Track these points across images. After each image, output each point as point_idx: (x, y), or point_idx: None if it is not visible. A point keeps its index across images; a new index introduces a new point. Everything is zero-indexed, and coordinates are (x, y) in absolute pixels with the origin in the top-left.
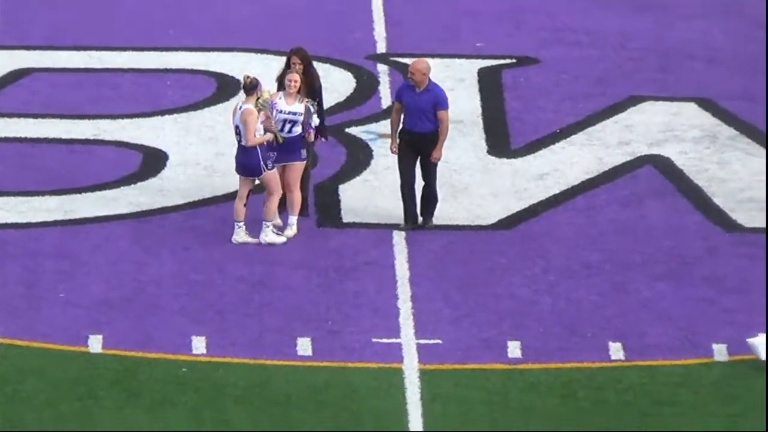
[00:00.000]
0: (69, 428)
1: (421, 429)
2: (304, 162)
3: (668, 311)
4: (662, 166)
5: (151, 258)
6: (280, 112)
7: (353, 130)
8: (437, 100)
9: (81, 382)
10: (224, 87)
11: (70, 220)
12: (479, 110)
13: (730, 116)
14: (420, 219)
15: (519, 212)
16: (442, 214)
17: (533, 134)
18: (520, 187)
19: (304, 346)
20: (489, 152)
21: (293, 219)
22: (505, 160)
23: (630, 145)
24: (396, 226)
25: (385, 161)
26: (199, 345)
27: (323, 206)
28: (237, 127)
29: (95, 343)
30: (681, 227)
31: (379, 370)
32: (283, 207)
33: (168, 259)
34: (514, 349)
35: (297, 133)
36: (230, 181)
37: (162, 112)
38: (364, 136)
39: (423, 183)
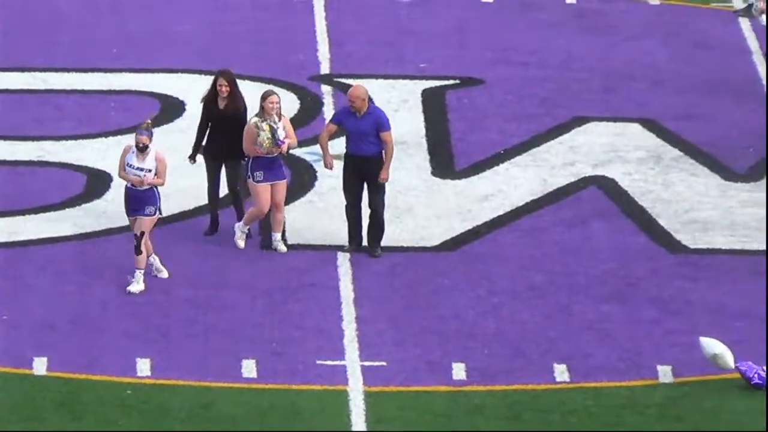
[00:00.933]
0: None
1: None
2: (286, 179)
3: (613, 333)
4: (607, 187)
5: (96, 280)
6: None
7: (297, 151)
8: (379, 122)
9: (25, 404)
10: (168, 108)
11: (14, 242)
12: (423, 131)
13: (674, 137)
14: (365, 243)
15: (463, 233)
16: (386, 236)
17: (478, 155)
18: (464, 208)
19: (248, 368)
20: (433, 173)
21: (277, 236)
22: (449, 181)
23: (574, 166)
24: (341, 248)
25: (329, 182)
26: (143, 367)
27: (268, 227)
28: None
29: (39, 365)
30: (625, 248)
31: (324, 392)
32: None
33: (112, 280)
34: (458, 371)
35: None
36: (174, 203)
37: (106, 134)
38: (308, 158)
39: (370, 210)
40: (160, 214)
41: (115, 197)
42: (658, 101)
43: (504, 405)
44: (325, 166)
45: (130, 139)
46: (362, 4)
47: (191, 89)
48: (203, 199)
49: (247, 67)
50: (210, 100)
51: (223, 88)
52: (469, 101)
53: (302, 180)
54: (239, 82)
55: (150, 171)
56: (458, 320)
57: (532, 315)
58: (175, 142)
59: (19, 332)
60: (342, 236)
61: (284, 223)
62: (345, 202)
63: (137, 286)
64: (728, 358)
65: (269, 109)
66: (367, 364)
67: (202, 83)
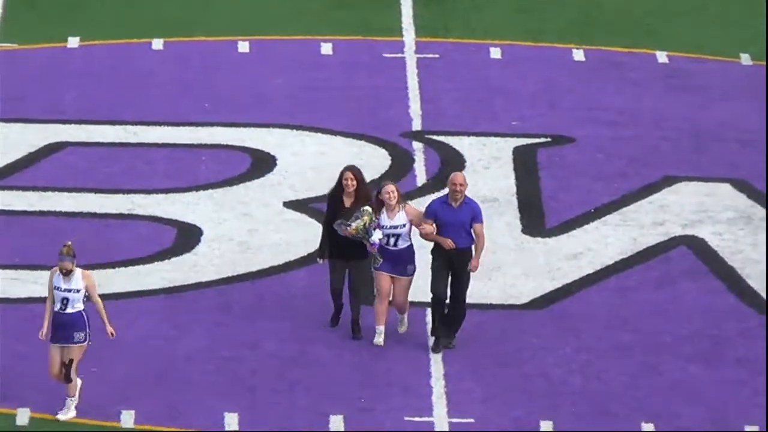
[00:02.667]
0: None
1: None
2: (411, 276)
3: (700, 392)
4: (696, 246)
5: (183, 333)
6: (383, 227)
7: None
8: (475, 213)
9: None
10: (258, 163)
11: (103, 295)
12: (514, 189)
13: (765, 197)
14: (440, 338)
15: (552, 292)
16: (475, 292)
17: (568, 213)
18: (553, 266)
19: (336, 423)
20: (523, 231)
21: (380, 328)
22: (539, 239)
23: (664, 226)
24: (428, 304)
25: (418, 240)
26: (231, 422)
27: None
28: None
29: (127, 419)
30: (714, 308)
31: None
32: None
33: (200, 334)
34: (546, 428)
35: (403, 246)
36: (264, 257)
37: (197, 188)
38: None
39: (452, 300)
40: (90, 341)
41: (205, 251)
42: (748, 161)
43: None
44: (447, 246)
45: (220, 194)
46: (454, 62)
47: (282, 144)
48: (293, 255)
49: (339, 122)
50: (335, 196)
51: (349, 183)
52: (559, 159)
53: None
54: (330, 137)
55: (78, 291)
56: (545, 378)
57: (620, 374)
58: (267, 197)
59: (108, 385)
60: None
61: (405, 319)
62: (432, 298)
63: (69, 413)
64: None
65: (385, 199)
66: (455, 420)
67: (293, 138)
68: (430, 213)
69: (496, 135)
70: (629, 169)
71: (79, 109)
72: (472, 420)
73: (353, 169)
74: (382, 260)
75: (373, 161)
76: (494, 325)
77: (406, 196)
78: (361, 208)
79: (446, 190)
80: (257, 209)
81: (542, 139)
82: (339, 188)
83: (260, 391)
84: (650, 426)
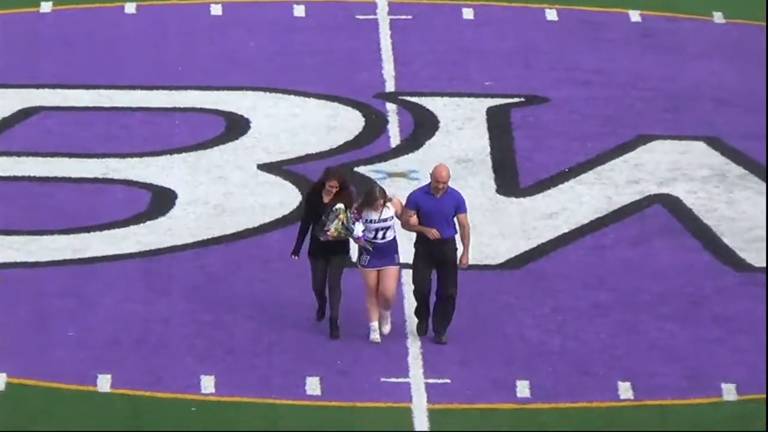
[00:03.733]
0: None
1: None
2: (399, 265)
3: (677, 351)
4: (671, 205)
5: (160, 297)
6: (372, 221)
7: (362, 169)
8: (458, 203)
9: (90, 422)
10: (232, 126)
11: (79, 260)
12: (488, 149)
13: (739, 155)
14: (430, 330)
15: (528, 251)
16: None
17: (542, 173)
18: (528, 226)
19: (313, 385)
20: (498, 191)
21: (374, 324)
22: (513, 199)
23: (639, 184)
24: (405, 265)
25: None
26: (208, 384)
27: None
28: None
29: (104, 383)
30: (690, 267)
31: (388, 410)
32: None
33: (176, 298)
34: (523, 388)
35: (391, 237)
36: (239, 220)
37: (171, 151)
38: (373, 176)
39: (443, 295)
40: None
41: (180, 214)
42: (723, 120)
43: (568, 423)
44: (432, 236)
45: (195, 157)
46: (427, 23)
47: (256, 106)
48: (268, 217)
49: (312, 84)
50: (314, 194)
51: (333, 189)
52: (534, 119)
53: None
54: (304, 100)
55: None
56: (522, 338)
57: (597, 333)
58: (241, 159)
59: (84, 350)
60: (407, 255)
61: (389, 317)
62: (416, 290)
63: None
64: None
65: (374, 207)
66: (431, 381)
67: (267, 101)
68: (412, 203)
69: (469, 96)
70: (604, 128)
71: (54, 74)
72: (448, 380)
73: (336, 175)
74: (370, 255)
75: (347, 123)
76: (470, 285)
77: (379, 158)
78: (334, 207)
79: (428, 179)
80: (232, 172)
81: (516, 100)
82: (320, 186)
83: (237, 353)
84: (627, 385)
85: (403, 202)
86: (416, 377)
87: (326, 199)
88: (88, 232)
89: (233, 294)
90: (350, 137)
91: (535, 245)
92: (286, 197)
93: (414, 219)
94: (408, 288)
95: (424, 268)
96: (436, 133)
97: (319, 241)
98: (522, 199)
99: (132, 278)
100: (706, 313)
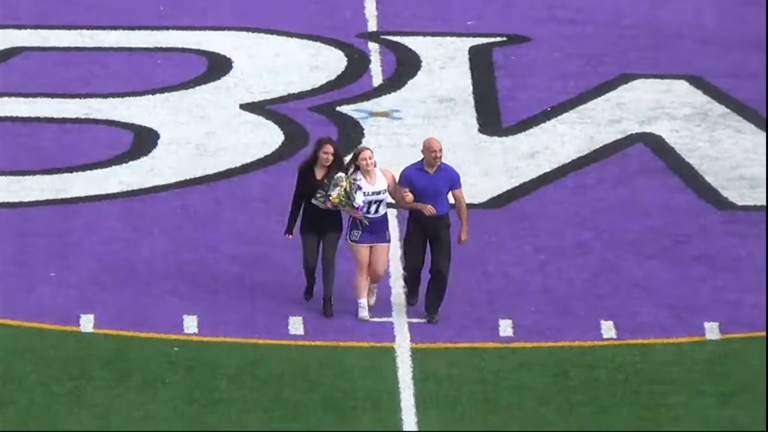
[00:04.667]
0: (62, 408)
1: (414, 408)
2: (390, 242)
3: (660, 290)
4: (653, 144)
5: (143, 237)
6: (365, 194)
7: (344, 109)
8: (453, 179)
9: (73, 362)
10: (215, 65)
11: (61, 200)
12: (470, 88)
13: (721, 94)
14: (416, 303)
15: (510, 190)
16: None
17: (524, 112)
18: (511, 165)
19: (296, 325)
20: (480, 131)
21: (362, 302)
22: (496, 138)
23: (621, 123)
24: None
25: (376, 140)
26: (191, 324)
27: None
28: None
29: (87, 323)
30: (672, 205)
31: (371, 350)
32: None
33: (159, 238)
34: (506, 327)
35: (383, 212)
36: (221, 160)
37: (153, 91)
38: (355, 115)
39: (434, 272)
40: None
41: (162, 154)
42: (705, 58)
43: (551, 361)
44: (428, 213)
45: (177, 97)
46: None
47: (238, 46)
48: (251, 157)
49: (294, 24)
50: (307, 167)
51: (329, 156)
52: (516, 59)
53: (349, 137)
54: (286, 39)
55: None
56: (505, 277)
57: (579, 272)
58: (223, 99)
59: (67, 290)
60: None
61: (375, 293)
62: (406, 266)
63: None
64: None
65: (363, 166)
66: (414, 321)
67: (249, 41)
68: (405, 180)
69: (451, 35)
70: (586, 67)
71: (35, 14)
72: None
73: (331, 142)
74: (364, 229)
75: (329, 63)
76: (453, 225)
77: (362, 98)
78: (335, 176)
79: (420, 156)
80: (214, 112)
81: (498, 39)
82: (312, 159)
83: (220, 294)
84: (610, 324)
85: (397, 178)
86: (399, 317)
87: (319, 175)
88: (71, 172)
89: (216, 234)
90: (332, 77)
91: (517, 184)
92: (269, 137)
93: (409, 196)
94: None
95: (417, 245)
96: (419, 72)
97: (312, 217)
98: (504, 138)
99: (114, 218)
100: (688, 251)
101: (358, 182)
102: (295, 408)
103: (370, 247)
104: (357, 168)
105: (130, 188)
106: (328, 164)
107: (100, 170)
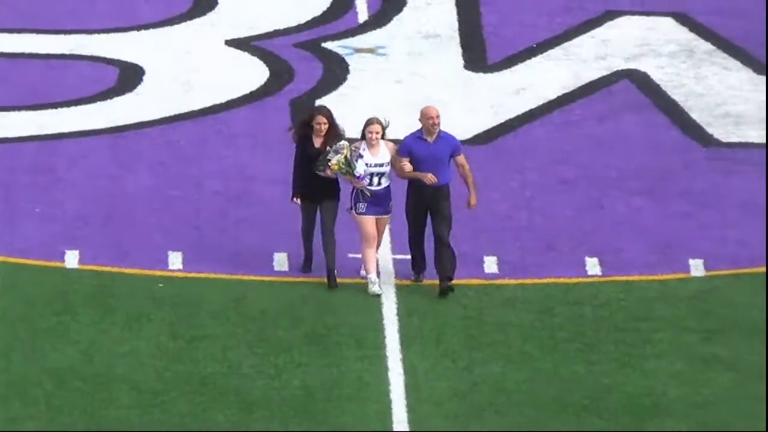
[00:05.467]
0: (45, 344)
1: (398, 344)
2: (390, 214)
3: (645, 226)
4: (639, 80)
5: (128, 173)
6: (368, 165)
7: (330, 45)
8: (453, 146)
9: (57, 297)
10: (200, 2)
11: (46, 135)
12: (456, 25)
13: (707, 31)
14: (425, 274)
15: (496, 127)
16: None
17: (510, 49)
18: (496, 102)
19: (280, 261)
20: (466, 67)
21: (372, 276)
22: (481, 75)
23: (606, 60)
24: None
25: (361, 76)
26: (175, 260)
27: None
28: None
29: (71, 259)
30: (658, 142)
31: (355, 285)
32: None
33: (144, 174)
34: (490, 264)
35: (386, 185)
36: (206, 96)
37: (138, 27)
38: (340, 51)
39: (437, 238)
40: None
41: (147, 90)
42: None
43: (536, 298)
44: (429, 181)
45: (162, 33)
46: None
47: None
48: (235, 93)
49: None
50: (304, 136)
51: (322, 127)
52: None
53: (334, 73)
54: None
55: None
56: (490, 214)
57: (564, 209)
58: (208, 35)
59: (51, 226)
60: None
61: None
62: (409, 233)
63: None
64: None
65: (368, 138)
66: (399, 257)
67: None
68: (404, 150)
69: None
70: (571, 3)
71: None
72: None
73: (323, 111)
74: (367, 200)
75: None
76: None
77: (347, 34)
78: (338, 143)
79: (419, 125)
80: (199, 48)
81: None
82: (308, 128)
83: (205, 229)
84: (594, 260)
85: (395, 147)
86: (384, 252)
87: (317, 143)
88: (56, 108)
89: (200, 170)
90: (318, 13)
91: (502, 121)
92: (254, 73)
93: (408, 165)
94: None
95: (418, 214)
96: (404, 8)
97: (310, 182)
98: (490, 74)
99: (99, 154)
100: (673, 188)
101: (359, 151)
102: (279, 344)
103: (376, 219)
104: (363, 137)
105: (115, 124)
106: (323, 133)
107: (85, 106)
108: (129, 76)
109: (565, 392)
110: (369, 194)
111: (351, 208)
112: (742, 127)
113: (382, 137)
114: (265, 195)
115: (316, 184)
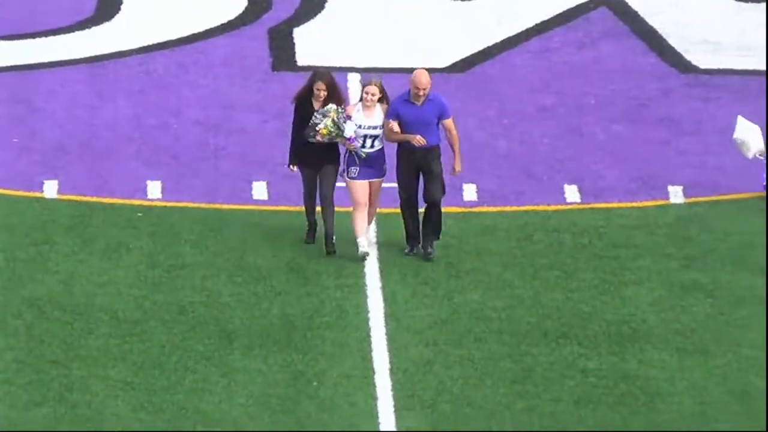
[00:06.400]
0: (24, 274)
1: (378, 272)
2: (384, 177)
3: (624, 153)
4: (617, 7)
5: (106, 102)
6: (359, 127)
7: None
8: (441, 109)
9: (36, 228)
10: None
11: (24, 65)
12: None
13: None
14: (420, 245)
15: (474, 54)
16: (395, 59)
17: None
18: (474, 29)
19: (259, 190)
20: None
21: (363, 240)
22: (459, 2)
23: None
24: (353, 69)
25: (340, 4)
26: (154, 190)
27: (278, 49)
28: None
29: (50, 189)
30: (636, 69)
31: (336, 213)
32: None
33: (123, 103)
34: (469, 192)
35: (379, 147)
36: (184, 25)
37: None
38: None
39: (428, 202)
40: None
41: (125, 20)
42: None
43: (515, 226)
44: (417, 143)
45: None
46: None
47: None
48: (213, 22)
49: None
50: (305, 100)
51: (321, 93)
52: None
53: (312, 1)
54: None
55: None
56: (468, 141)
57: (543, 136)
58: None
59: (30, 156)
60: (352, 57)
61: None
62: (401, 199)
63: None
64: (751, 146)
65: (365, 99)
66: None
67: None
68: (392, 112)
69: None
70: None
71: None
72: (395, 184)
73: (325, 77)
74: (360, 164)
75: None
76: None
77: None
78: (323, 108)
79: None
80: None
81: None
82: (308, 93)
83: (184, 158)
84: (573, 188)
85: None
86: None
87: (317, 106)
88: (34, 38)
89: (179, 99)
90: None
91: (481, 48)
92: (232, 1)
93: (396, 127)
94: (352, 92)
95: (409, 177)
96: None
97: (308, 148)
98: (468, 2)
99: (78, 84)
100: (652, 115)
101: (346, 113)
102: (259, 273)
103: (369, 183)
104: (364, 88)
105: (93, 54)
106: (322, 99)
107: (63, 36)
108: (107, 6)
109: (544, 319)
110: (363, 155)
111: (344, 172)
112: (721, 54)
113: (380, 100)
114: (243, 123)
115: (316, 150)
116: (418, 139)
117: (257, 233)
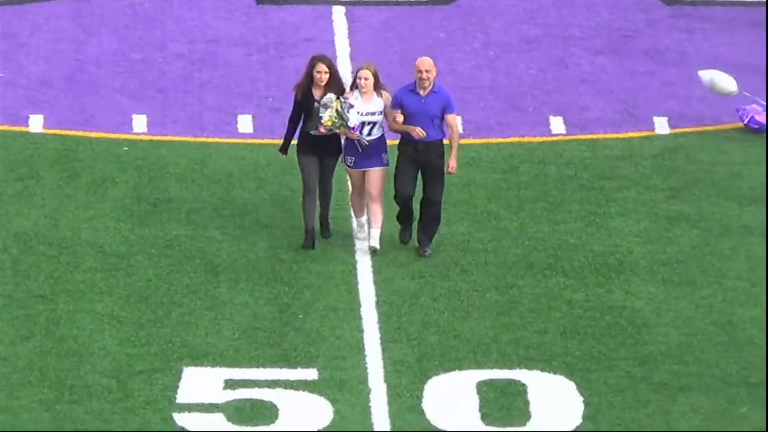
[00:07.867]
0: (10, 208)
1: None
2: (387, 167)
3: (609, 85)
4: None
5: (91, 37)
6: (359, 113)
7: None
8: (446, 103)
9: (22, 162)
10: None
11: (9, 0)
12: None
13: None
14: (409, 241)
15: None
16: None
17: None
18: None
19: (244, 123)
20: None
21: (375, 232)
22: None
23: None
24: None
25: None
26: (139, 123)
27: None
28: None
29: (35, 123)
30: (621, 0)
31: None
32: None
33: (108, 37)
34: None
35: (378, 135)
36: None
37: None
38: None
39: (426, 201)
40: None
41: None
42: None
43: (500, 157)
44: (417, 135)
45: None
46: None
47: None
48: None
49: None
50: (305, 87)
51: (323, 75)
52: None
53: None
54: None
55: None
56: (453, 74)
57: (528, 67)
58: None
59: (15, 90)
60: None
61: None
62: (396, 195)
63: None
64: (726, 82)
65: (359, 84)
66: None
67: None
68: (396, 102)
69: None
70: None
71: None
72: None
73: (325, 60)
74: (356, 156)
75: None
76: (401, 21)
77: None
78: (324, 98)
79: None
80: None
81: None
82: (309, 79)
83: (169, 92)
84: (559, 119)
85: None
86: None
87: (317, 95)
88: None
89: (164, 32)
90: None
91: None
92: None
93: (400, 118)
94: (337, 25)
95: (407, 171)
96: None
97: (310, 138)
98: None
99: (62, 18)
100: (637, 46)
101: (349, 101)
102: (244, 206)
103: (364, 172)
104: (355, 85)
105: None
106: (323, 83)
107: None
108: None
109: (530, 251)
110: (367, 143)
111: (342, 160)
112: None
113: (375, 84)
114: (228, 57)
115: (319, 139)
116: (418, 131)
117: (243, 167)
